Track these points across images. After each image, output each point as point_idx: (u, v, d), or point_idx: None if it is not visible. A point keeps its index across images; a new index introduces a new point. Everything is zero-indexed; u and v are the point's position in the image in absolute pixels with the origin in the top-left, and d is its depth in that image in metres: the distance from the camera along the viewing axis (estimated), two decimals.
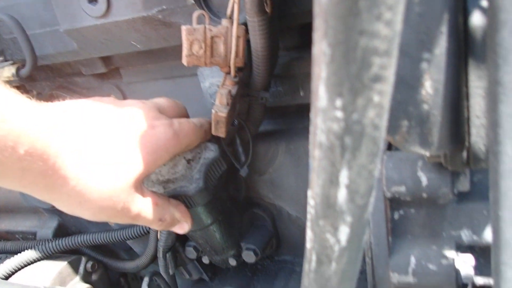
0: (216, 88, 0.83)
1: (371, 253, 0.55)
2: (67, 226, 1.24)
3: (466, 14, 0.35)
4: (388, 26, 0.25)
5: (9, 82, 0.89)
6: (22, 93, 1.02)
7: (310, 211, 0.36)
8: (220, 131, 0.75)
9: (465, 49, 0.37)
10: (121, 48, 0.86)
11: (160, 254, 0.97)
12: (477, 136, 0.40)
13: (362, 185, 0.32)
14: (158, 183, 0.74)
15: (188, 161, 0.76)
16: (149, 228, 1.01)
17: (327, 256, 0.38)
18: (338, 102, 0.28)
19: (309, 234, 0.38)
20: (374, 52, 0.26)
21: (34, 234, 1.25)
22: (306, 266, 0.41)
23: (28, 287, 0.91)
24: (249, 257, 0.92)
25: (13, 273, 1.07)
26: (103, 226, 1.18)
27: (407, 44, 0.33)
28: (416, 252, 0.52)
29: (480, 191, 0.51)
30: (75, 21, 0.81)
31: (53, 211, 1.21)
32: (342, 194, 0.33)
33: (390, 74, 0.27)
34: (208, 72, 0.85)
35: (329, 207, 0.34)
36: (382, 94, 0.28)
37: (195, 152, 0.77)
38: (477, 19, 0.35)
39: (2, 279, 1.03)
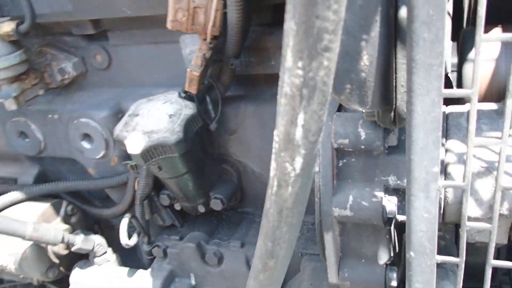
0: None
1: (319, 193, 0.69)
2: (47, 174, 1.33)
3: (396, 8, 0.48)
4: (335, 14, 0.37)
5: (8, 36, 0.96)
6: (17, 48, 1.09)
7: (275, 146, 0.49)
8: (193, 88, 0.88)
9: (395, 34, 0.50)
10: (112, 12, 0.95)
11: (137, 201, 1.09)
12: (401, 100, 0.54)
13: (313, 126, 0.45)
14: (143, 133, 0.86)
15: (170, 116, 0.88)
16: (128, 178, 1.12)
17: (285, 181, 0.50)
18: (300, 64, 0.40)
19: (272, 164, 0.50)
20: (325, 31, 0.38)
21: (15, 180, 1.33)
22: (268, 191, 0.53)
23: (17, 221, 1.00)
24: (216, 205, 1.05)
25: None
26: (82, 176, 1.28)
27: (351, 27, 0.46)
28: (353, 192, 0.66)
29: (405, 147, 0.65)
30: None
31: (35, 159, 1.29)
32: (299, 132, 0.45)
33: (335, 47, 0.40)
34: (189, 40, 0.96)
35: (289, 142, 0.47)
36: (330, 60, 0.40)
37: (176, 109, 0.89)
38: (403, 13, 0.48)
39: None
